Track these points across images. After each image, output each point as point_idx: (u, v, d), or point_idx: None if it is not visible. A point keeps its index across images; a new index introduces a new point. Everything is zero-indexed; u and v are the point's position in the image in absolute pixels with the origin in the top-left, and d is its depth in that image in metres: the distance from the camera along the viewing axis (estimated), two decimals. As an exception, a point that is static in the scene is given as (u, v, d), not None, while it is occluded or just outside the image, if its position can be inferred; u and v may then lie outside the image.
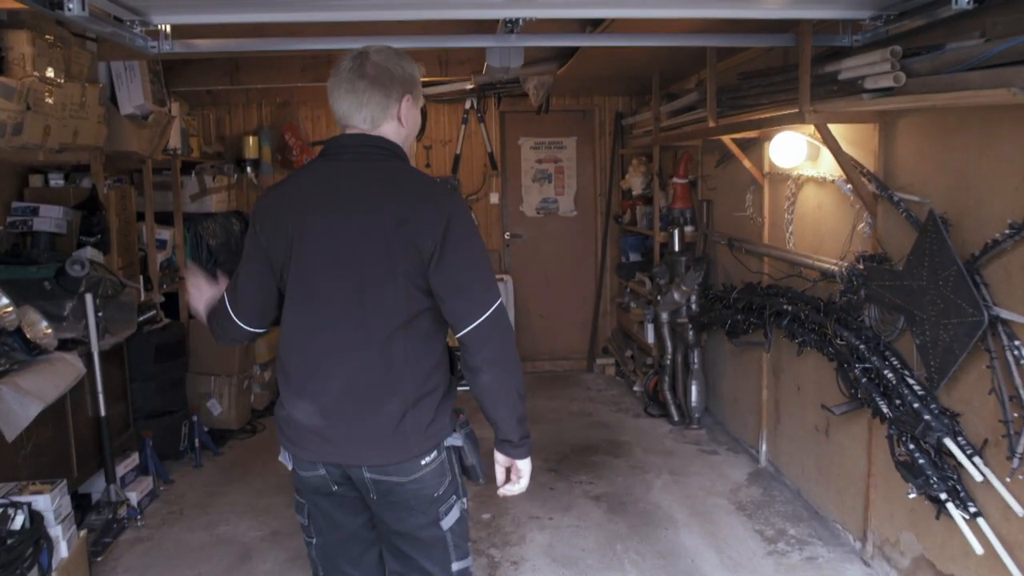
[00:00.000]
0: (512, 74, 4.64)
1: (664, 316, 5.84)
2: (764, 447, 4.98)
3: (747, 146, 4.84)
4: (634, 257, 7.09)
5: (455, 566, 2.24)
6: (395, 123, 2.14)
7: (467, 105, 7.24)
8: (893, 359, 3.33)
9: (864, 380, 3.40)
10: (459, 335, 2.07)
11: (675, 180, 6.08)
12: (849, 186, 3.66)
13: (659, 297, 5.82)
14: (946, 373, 2.92)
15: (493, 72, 4.11)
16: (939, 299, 2.90)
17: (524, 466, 2.20)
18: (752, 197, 4.94)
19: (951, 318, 2.83)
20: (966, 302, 2.75)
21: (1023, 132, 2.63)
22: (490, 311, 2.05)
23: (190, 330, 5.69)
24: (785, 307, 4.19)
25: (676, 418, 5.84)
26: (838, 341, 3.60)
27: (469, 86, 6.86)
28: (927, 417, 3.00)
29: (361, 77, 2.09)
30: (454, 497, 2.21)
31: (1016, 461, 2.61)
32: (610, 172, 7.40)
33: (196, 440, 5.19)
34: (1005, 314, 2.70)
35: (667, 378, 5.92)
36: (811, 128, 4.07)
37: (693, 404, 5.73)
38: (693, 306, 5.64)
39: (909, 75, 2.80)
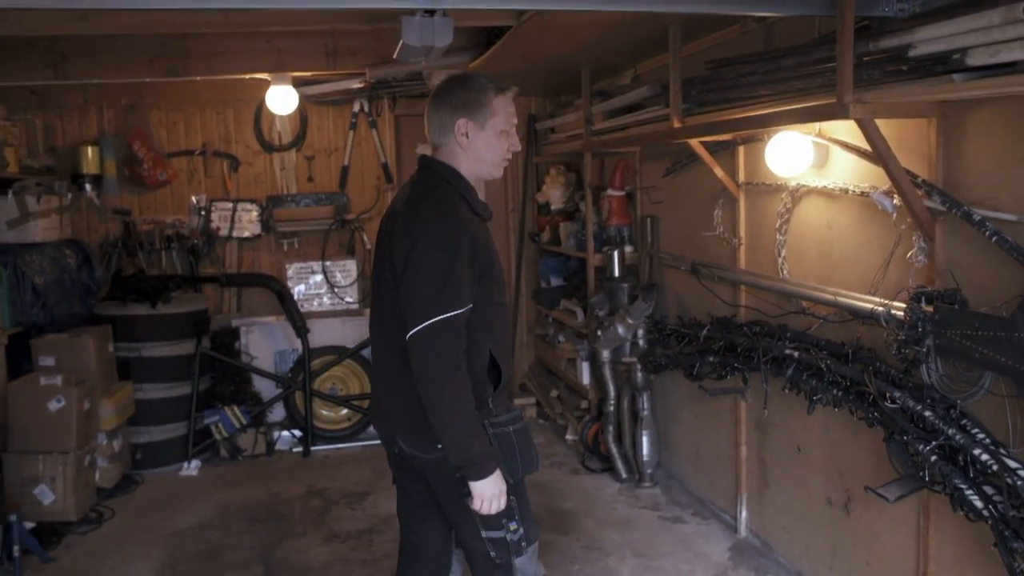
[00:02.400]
0: (432, 59, 3.63)
1: (605, 354, 4.93)
2: (744, 514, 4.11)
3: (716, 151, 3.97)
4: (556, 282, 6.16)
5: (484, 533, 2.42)
6: (451, 144, 2.43)
7: (356, 107, 6.15)
8: (978, 432, 2.49)
9: (934, 459, 2.56)
10: None
11: (610, 192, 5.19)
12: (894, 200, 2.81)
13: (598, 332, 4.90)
14: (1096, 463, 2.09)
15: (410, 54, 3.08)
16: (1086, 360, 2.06)
17: (476, 489, 2.29)
18: (722, 212, 4.08)
19: (1112, 389, 2.00)
20: None
21: None
22: (423, 325, 2.21)
23: (7, 398, 4.39)
24: (789, 352, 3.32)
25: (624, 474, 4.93)
26: (888, 404, 2.74)
27: (357, 84, 5.79)
28: (1063, 522, 2.16)
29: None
30: None
31: None
32: (523, 184, 6.46)
33: (15, 546, 3.90)
34: None
35: (611, 427, 5.00)
36: (816, 127, 3.25)
37: (645, 458, 4.83)
38: (640, 342, 4.74)
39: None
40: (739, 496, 4.12)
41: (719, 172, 3.91)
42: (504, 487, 2.33)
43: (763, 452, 3.93)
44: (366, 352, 5.90)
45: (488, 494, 2.29)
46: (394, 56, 3.28)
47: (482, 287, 2.33)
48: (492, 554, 2.45)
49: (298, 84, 5.66)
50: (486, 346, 2.37)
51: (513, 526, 2.44)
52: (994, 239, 2.40)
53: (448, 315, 2.21)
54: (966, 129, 2.57)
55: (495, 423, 2.37)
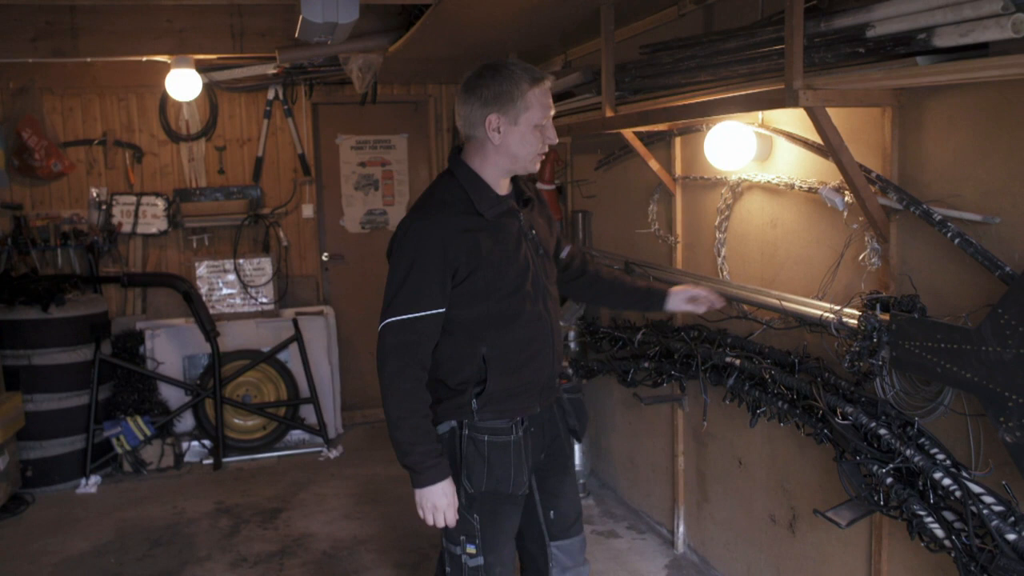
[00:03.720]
0: (337, 40, 3.26)
1: (535, 357, 4.65)
2: (682, 528, 3.88)
3: (651, 142, 3.72)
4: (485, 279, 5.86)
5: (444, 542, 2.38)
6: (482, 138, 2.26)
7: (270, 95, 5.76)
8: (938, 453, 2.27)
9: (890, 481, 2.33)
10: None
11: (539, 186, 4.90)
12: (845, 197, 2.58)
13: (528, 334, 4.61)
14: (1076, 493, 1.87)
15: (312, 32, 2.76)
16: (1066, 379, 1.84)
17: (416, 497, 2.26)
18: (657, 208, 3.82)
19: (1096, 412, 1.78)
20: None
21: None
22: (382, 324, 2.23)
23: None
24: (730, 360, 3.08)
25: (555, 485, 4.66)
26: (839, 420, 2.51)
27: (272, 70, 5.40)
28: (1039, 558, 1.94)
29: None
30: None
31: None
32: (450, 176, 6.11)
33: None
34: None
35: (542, 434, 4.72)
36: (758, 117, 3.01)
37: (577, 468, 4.57)
38: (571, 344, 4.48)
39: (1033, 19, 1.71)
40: (676, 509, 3.88)
41: (654, 165, 3.65)
42: (448, 503, 2.25)
43: (702, 464, 3.69)
44: (283, 355, 5.53)
45: (426, 505, 2.25)
46: (295, 34, 2.93)
47: (467, 288, 2.23)
48: (448, 569, 2.37)
49: (207, 68, 5.27)
50: (477, 348, 2.28)
51: (471, 549, 2.34)
52: (957, 241, 2.17)
53: (401, 317, 2.20)
54: (924, 119, 2.33)
55: (474, 426, 2.30)
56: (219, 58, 5.10)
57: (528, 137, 2.24)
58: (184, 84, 4.95)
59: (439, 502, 2.23)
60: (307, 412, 5.52)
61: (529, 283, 2.32)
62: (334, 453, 5.38)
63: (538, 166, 2.33)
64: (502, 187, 2.33)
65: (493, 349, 2.28)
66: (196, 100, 5.55)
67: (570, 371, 2.80)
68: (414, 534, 4.17)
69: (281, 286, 5.85)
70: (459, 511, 2.29)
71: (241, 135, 5.83)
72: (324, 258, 5.98)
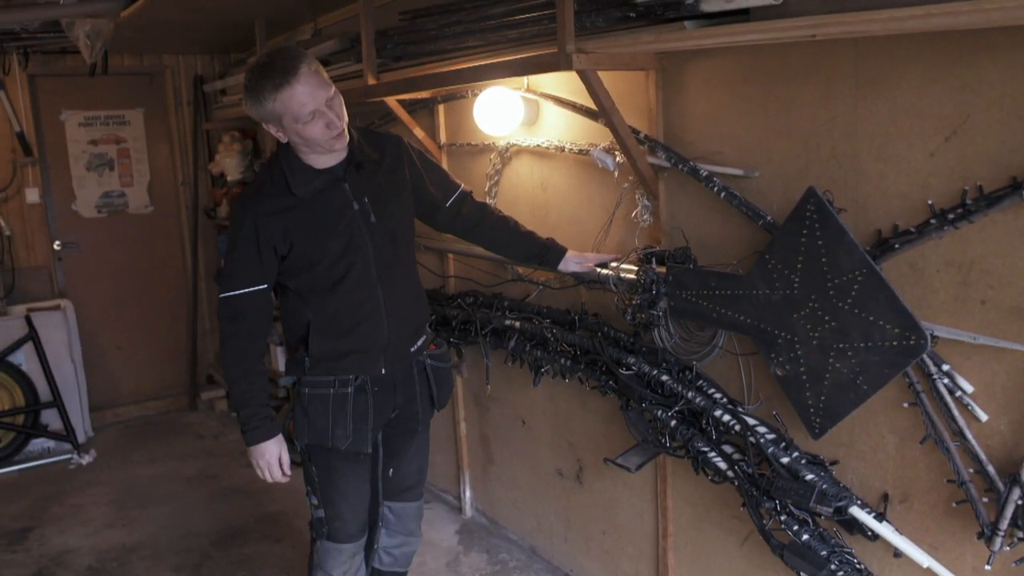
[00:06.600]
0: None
1: (304, 336, 4.51)
2: (469, 494, 3.93)
3: (415, 110, 3.68)
4: (239, 260, 5.58)
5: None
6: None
7: (-26, 66, 5.11)
8: (715, 392, 2.44)
9: (675, 424, 2.48)
10: None
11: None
12: (616, 158, 2.68)
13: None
14: (840, 414, 2.07)
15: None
16: (827, 315, 2.02)
17: (249, 456, 2.43)
18: (425, 177, 3.80)
19: (855, 341, 1.97)
20: (888, 318, 1.90)
21: (951, 69, 1.82)
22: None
23: None
24: (510, 323, 3.14)
25: (335, 465, 4.57)
26: (623, 371, 2.63)
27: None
28: (810, 476, 2.14)
29: None
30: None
31: (998, 542, 1.83)
32: (193, 154, 5.75)
33: None
34: (941, 331, 1.90)
35: (316, 415, 4.60)
36: (524, 82, 3.06)
37: (356, 445, 4.49)
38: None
39: (792, -15, 1.85)
40: (462, 475, 3.93)
41: (419, 133, 3.62)
42: (268, 461, 2.40)
43: (485, 428, 3.75)
44: (15, 358, 4.96)
45: (253, 462, 2.43)
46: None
47: (290, 263, 2.35)
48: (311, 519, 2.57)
49: None
50: (304, 313, 2.40)
51: (314, 501, 2.52)
52: (723, 195, 2.33)
53: (225, 295, 2.35)
54: (685, 82, 2.47)
55: (302, 381, 2.44)
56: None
57: (305, 131, 2.24)
58: None
59: (260, 461, 2.40)
60: (50, 417, 5.01)
61: (355, 252, 2.38)
62: (87, 459, 4.93)
63: (341, 143, 2.32)
64: (328, 160, 2.36)
65: (317, 314, 2.39)
66: None
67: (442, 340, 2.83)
68: (191, 534, 3.93)
69: (7, 281, 5.23)
70: (302, 463, 2.48)
71: (-57, 113, 5.13)
72: (56, 247, 5.41)
